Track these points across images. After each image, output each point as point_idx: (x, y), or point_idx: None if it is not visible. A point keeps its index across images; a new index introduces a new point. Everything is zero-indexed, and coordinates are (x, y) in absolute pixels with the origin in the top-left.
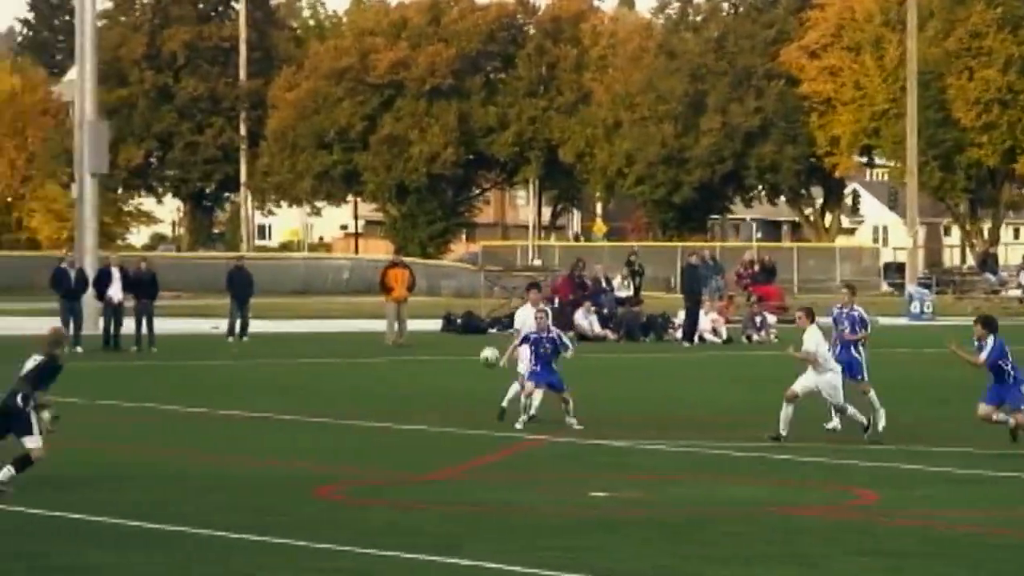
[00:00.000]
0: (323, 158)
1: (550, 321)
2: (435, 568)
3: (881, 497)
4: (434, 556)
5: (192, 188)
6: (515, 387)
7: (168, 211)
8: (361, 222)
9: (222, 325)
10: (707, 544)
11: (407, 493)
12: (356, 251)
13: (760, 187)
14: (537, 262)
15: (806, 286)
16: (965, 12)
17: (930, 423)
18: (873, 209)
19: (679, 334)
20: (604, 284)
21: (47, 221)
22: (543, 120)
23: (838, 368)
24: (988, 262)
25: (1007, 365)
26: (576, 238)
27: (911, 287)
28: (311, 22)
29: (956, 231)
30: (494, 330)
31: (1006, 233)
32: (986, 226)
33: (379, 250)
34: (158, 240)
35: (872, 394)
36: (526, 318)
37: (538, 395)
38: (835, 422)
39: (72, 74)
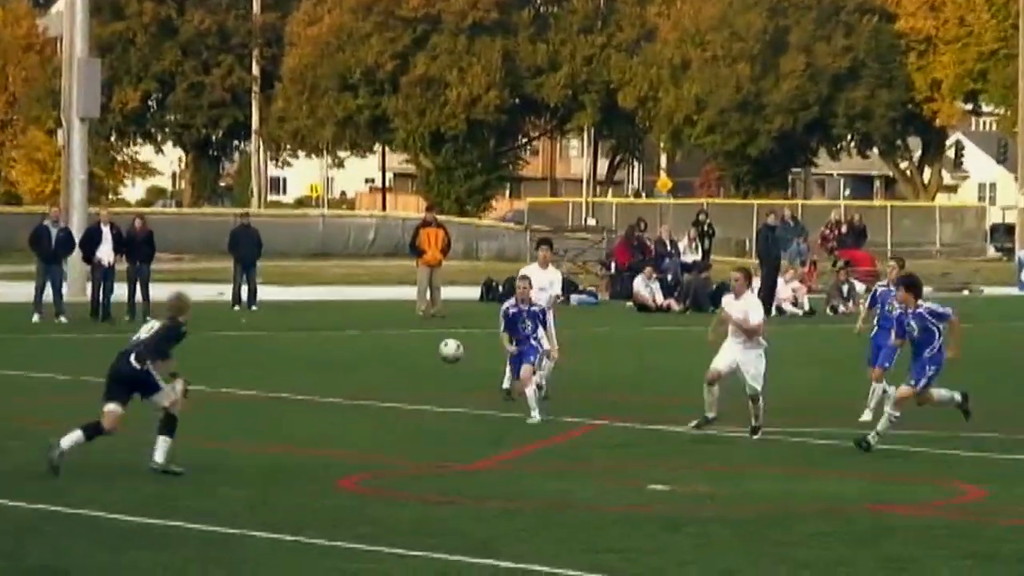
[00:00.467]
0: (347, 102)
1: (556, 283)
2: (470, 572)
3: (986, 493)
4: (470, 558)
5: (196, 136)
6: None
7: (168, 162)
8: (389, 175)
9: (227, 292)
10: (783, 545)
11: (440, 485)
12: (383, 208)
13: (849, 137)
14: (591, 222)
15: (901, 250)
16: None
17: None
18: (979, 163)
19: None
20: (668, 247)
21: (30, 172)
22: (600, 60)
23: (766, 345)
24: None
25: None
26: (636, 195)
27: (1021, 252)
28: None
29: None
30: None
31: None
32: None
33: (410, 207)
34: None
35: (887, 390)
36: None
37: (534, 379)
38: (867, 415)
39: (60, 5)
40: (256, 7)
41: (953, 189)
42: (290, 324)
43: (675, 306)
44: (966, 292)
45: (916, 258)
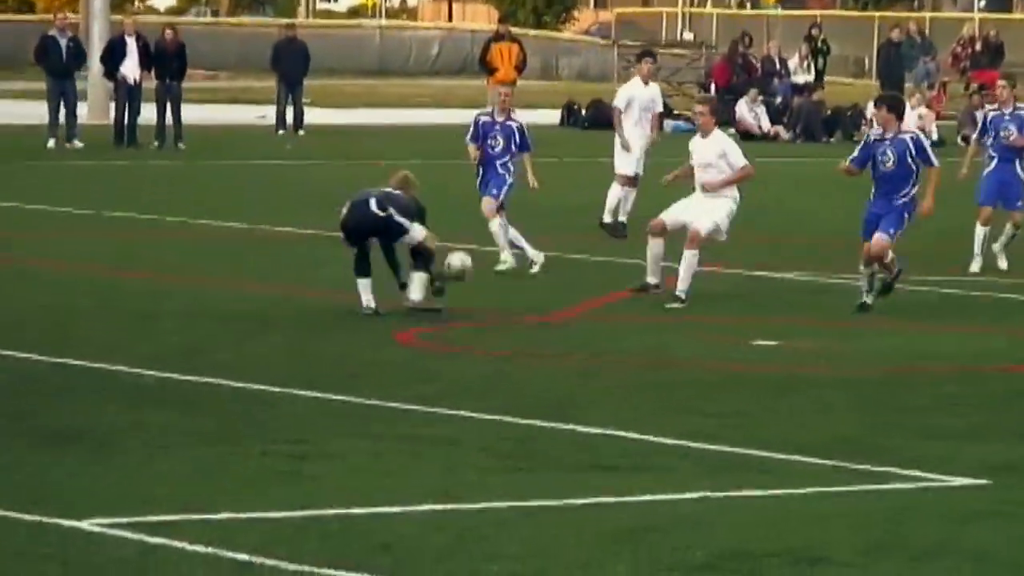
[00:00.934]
0: None
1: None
2: (546, 436)
3: None
4: (545, 422)
5: None
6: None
7: None
8: None
9: (270, 114)
10: (907, 412)
11: (513, 338)
12: (449, 19)
13: None
14: (688, 36)
15: None
16: None
17: None
18: None
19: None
20: (777, 67)
21: None
22: None
23: (738, 197)
24: None
25: None
26: (740, 5)
27: None
28: None
29: None
30: None
31: None
32: None
33: (480, 18)
34: (189, 2)
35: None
36: (632, 96)
37: (496, 221)
38: (976, 264)
39: None
40: None
41: None
42: (341, 152)
43: (783, 134)
44: None
45: None
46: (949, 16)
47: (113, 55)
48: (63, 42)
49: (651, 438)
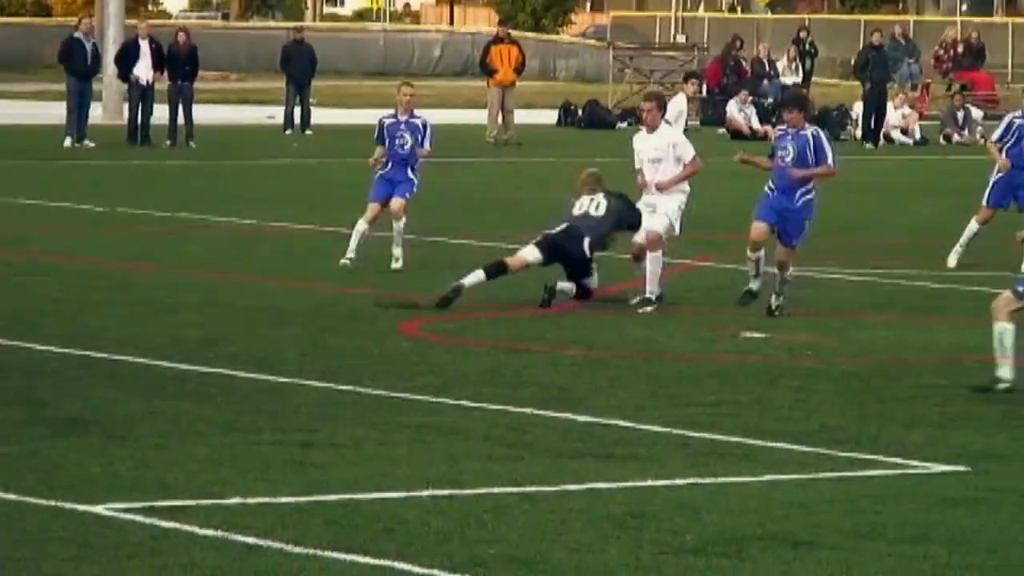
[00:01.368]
0: None
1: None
2: (544, 425)
3: None
4: (544, 410)
5: None
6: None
7: None
8: None
9: (278, 115)
10: (893, 400)
11: (515, 330)
12: (451, 22)
13: None
14: (681, 38)
15: (1022, 71)
16: None
17: None
18: None
19: (859, 132)
20: (766, 68)
21: None
22: None
23: (688, 190)
24: None
25: None
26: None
27: None
28: None
29: None
30: (624, 124)
31: None
32: None
33: (480, 21)
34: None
35: None
36: (681, 110)
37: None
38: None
39: None
40: None
41: None
42: (347, 150)
43: (773, 133)
44: None
45: None
46: (932, 19)
47: (127, 57)
48: (88, 45)
49: (644, 427)
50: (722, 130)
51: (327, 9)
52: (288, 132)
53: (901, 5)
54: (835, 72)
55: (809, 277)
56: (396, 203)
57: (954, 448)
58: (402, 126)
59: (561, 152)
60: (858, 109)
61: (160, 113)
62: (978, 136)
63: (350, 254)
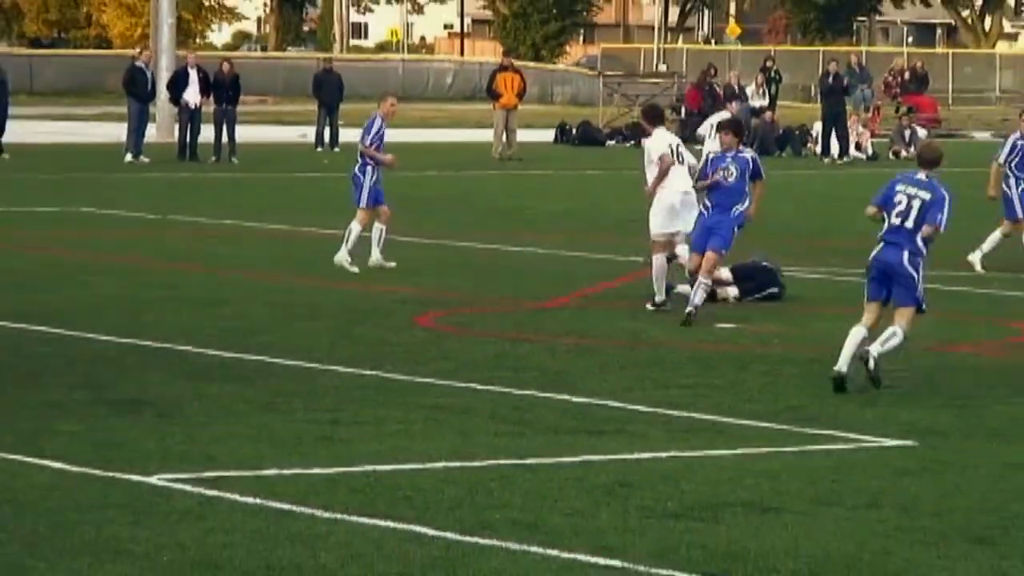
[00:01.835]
0: None
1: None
2: (544, 405)
3: None
4: (545, 392)
5: None
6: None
7: (254, 7)
8: (468, 21)
9: (310, 134)
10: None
11: (516, 322)
12: (461, 53)
13: None
14: (662, 67)
15: (962, 96)
16: None
17: None
18: None
19: (819, 148)
20: (736, 93)
21: (120, 16)
22: None
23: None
24: None
25: None
26: (706, 41)
27: None
28: None
29: None
30: (612, 142)
31: None
32: None
33: (487, 52)
34: (242, 39)
35: None
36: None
37: (356, 228)
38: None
39: None
40: None
41: (1013, 37)
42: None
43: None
44: None
45: (977, 104)
46: (882, 50)
47: (177, 84)
48: (148, 73)
49: (630, 406)
50: (699, 147)
51: (353, 42)
52: (319, 149)
53: (855, 37)
54: (797, 96)
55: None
56: (387, 208)
57: (903, 425)
58: (385, 135)
59: (557, 166)
60: (817, 128)
61: (206, 133)
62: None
63: (350, 259)
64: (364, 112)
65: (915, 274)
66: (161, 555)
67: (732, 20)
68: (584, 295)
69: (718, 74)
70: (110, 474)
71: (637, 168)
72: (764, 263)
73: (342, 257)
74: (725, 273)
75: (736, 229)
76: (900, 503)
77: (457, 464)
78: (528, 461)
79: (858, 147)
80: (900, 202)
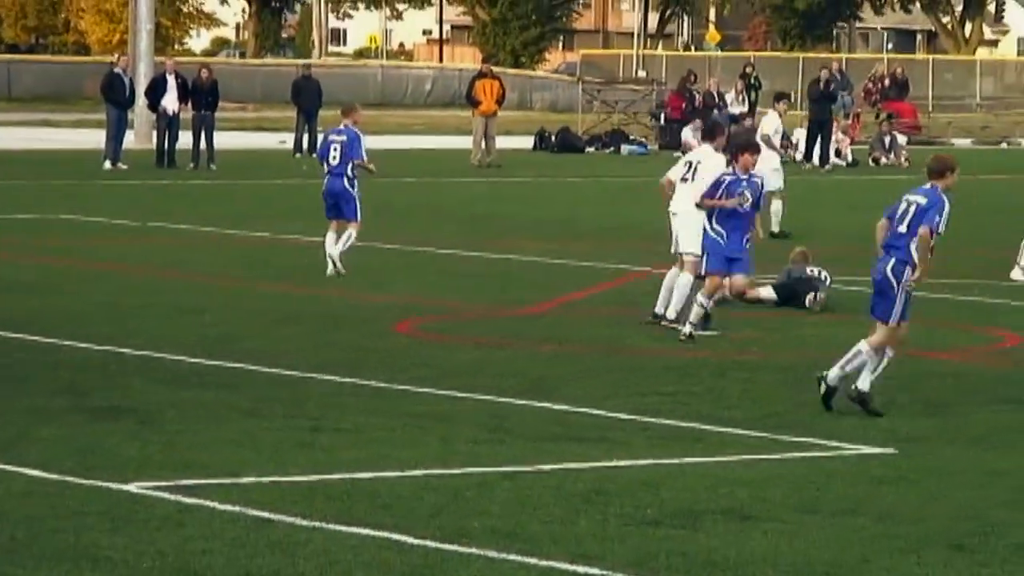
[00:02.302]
0: None
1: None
2: (523, 412)
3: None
4: (523, 400)
5: None
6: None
7: (232, 13)
8: (447, 27)
9: (289, 140)
10: None
11: (495, 329)
12: (440, 59)
13: None
14: (642, 74)
15: (942, 103)
16: None
17: None
18: (1019, 18)
19: (799, 155)
20: (716, 99)
21: (98, 22)
22: None
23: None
24: None
25: None
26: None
27: None
28: None
29: None
30: (591, 149)
31: None
32: None
33: (466, 59)
34: (220, 45)
35: None
36: (776, 130)
37: (355, 236)
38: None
39: None
40: None
41: (993, 43)
42: None
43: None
44: (1005, 145)
45: (957, 111)
46: (863, 56)
47: (156, 90)
48: (126, 80)
49: (609, 413)
50: (678, 153)
51: (332, 48)
52: (297, 156)
53: (835, 44)
54: None
55: (755, 281)
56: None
57: (882, 432)
58: (329, 140)
59: (536, 173)
60: (798, 134)
61: (185, 139)
62: (903, 159)
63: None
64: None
65: (895, 283)
66: (140, 562)
67: (712, 26)
68: (564, 302)
69: (698, 81)
70: (89, 481)
71: (616, 175)
72: (801, 274)
73: (335, 269)
74: (766, 292)
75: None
76: (879, 511)
77: (436, 471)
78: (507, 469)
79: (838, 154)
80: (900, 208)
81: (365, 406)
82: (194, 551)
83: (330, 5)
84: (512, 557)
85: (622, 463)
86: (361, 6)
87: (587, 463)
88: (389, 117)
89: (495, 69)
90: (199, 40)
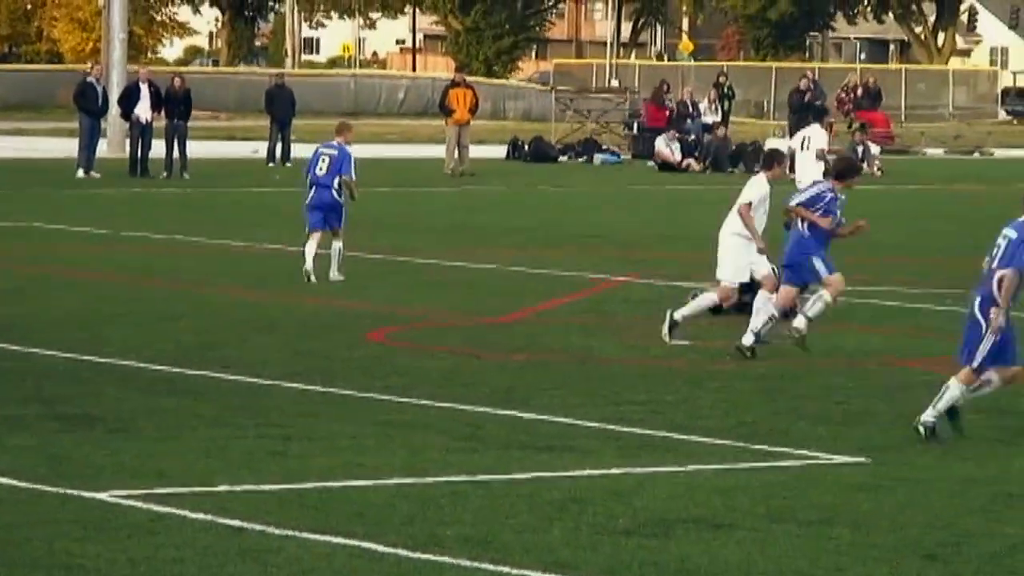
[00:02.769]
0: None
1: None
2: (496, 421)
3: None
4: (496, 409)
5: None
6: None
7: (205, 22)
8: (420, 36)
9: (262, 149)
10: (802, 399)
11: (468, 338)
12: (413, 68)
13: (866, 1)
14: (615, 83)
15: (915, 112)
16: None
17: None
18: (991, 28)
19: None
20: (689, 109)
21: (71, 31)
22: None
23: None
24: None
25: None
26: (659, 57)
27: None
28: None
29: None
30: (565, 158)
31: None
32: None
33: (439, 67)
34: (193, 54)
35: None
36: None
37: (312, 246)
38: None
39: None
40: None
41: (966, 53)
42: None
43: (695, 165)
44: (977, 154)
45: (930, 120)
46: (835, 66)
47: (129, 99)
48: (99, 88)
49: (581, 422)
50: (651, 162)
51: (305, 57)
52: (271, 165)
53: (808, 54)
54: (750, 112)
55: None
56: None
57: (855, 441)
58: (319, 153)
59: (510, 182)
60: (772, 143)
61: (158, 148)
62: (876, 169)
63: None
64: (317, 128)
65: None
66: (113, 571)
67: (685, 36)
68: (537, 311)
69: (671, 90)
70: (62, 489)
71: (590, 185)
72: None
73: (336, 276)
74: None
75: None
76: (853, 519)
77: (409, 480)
78: (480, 477)
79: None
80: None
81: (338, 414)
82: (166, 559)
83: (303, 14)
84: (484, 566)
85: (595, 472)
86: (334, 15)
87: (560, 472)
88: (362, 126)
89: (468, 78)
90: (172, 49)
